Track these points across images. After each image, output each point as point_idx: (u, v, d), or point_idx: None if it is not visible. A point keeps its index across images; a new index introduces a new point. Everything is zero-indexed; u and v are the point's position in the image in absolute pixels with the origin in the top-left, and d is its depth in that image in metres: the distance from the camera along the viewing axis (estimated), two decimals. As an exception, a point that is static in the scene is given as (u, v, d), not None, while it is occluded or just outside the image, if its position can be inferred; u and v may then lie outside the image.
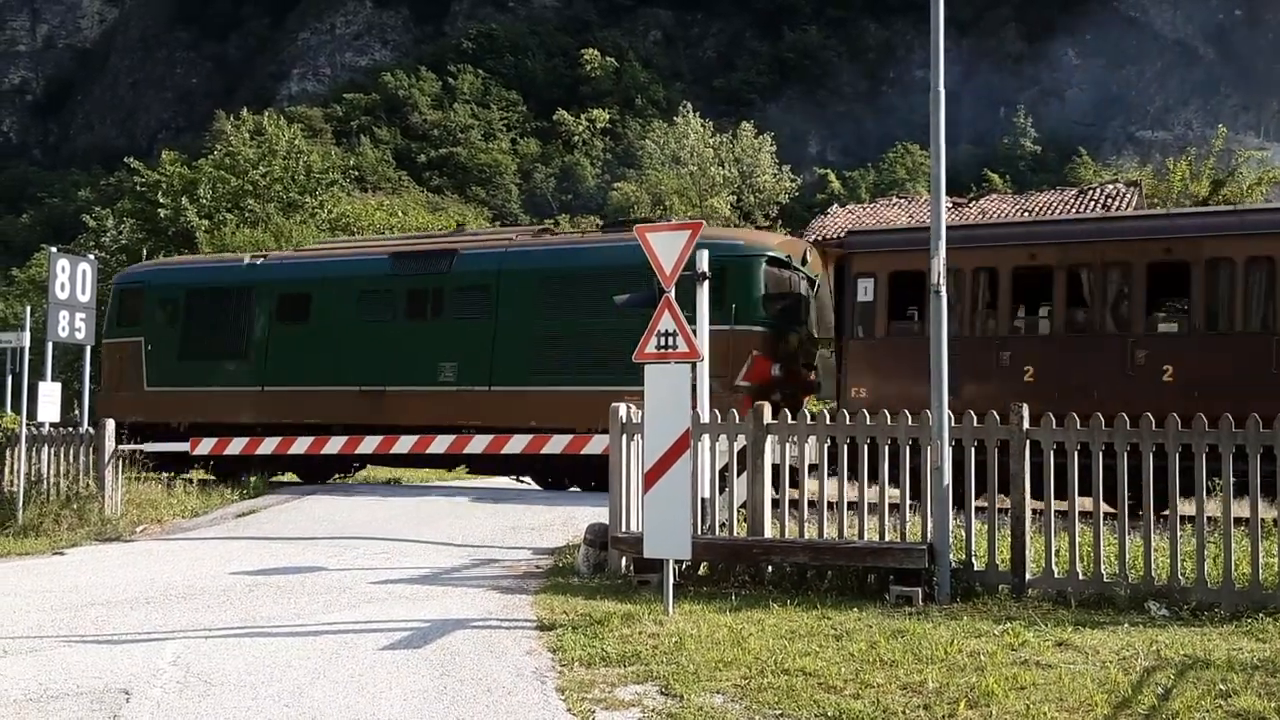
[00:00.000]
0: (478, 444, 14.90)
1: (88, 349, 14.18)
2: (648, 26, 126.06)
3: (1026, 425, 7.97)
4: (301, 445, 15.60)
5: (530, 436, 14.63)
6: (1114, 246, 13.72)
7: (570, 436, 14.35)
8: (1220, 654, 6.01)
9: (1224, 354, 12.88)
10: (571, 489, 15.62)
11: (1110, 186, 30.22)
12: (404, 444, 15.20)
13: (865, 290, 14.76)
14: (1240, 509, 7.72)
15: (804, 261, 16.06)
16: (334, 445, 15.55)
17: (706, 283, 9.48)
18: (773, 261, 15.14)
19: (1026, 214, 26.55)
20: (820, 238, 24.76)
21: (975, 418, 8.11)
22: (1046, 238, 14.46)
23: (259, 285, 17.29)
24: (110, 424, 13.28)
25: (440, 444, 15.08)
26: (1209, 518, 7.54)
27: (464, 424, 15.41)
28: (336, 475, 18.15)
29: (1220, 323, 13.16)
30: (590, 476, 15.24)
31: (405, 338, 16.14)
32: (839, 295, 15.30)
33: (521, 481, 16.62)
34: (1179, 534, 7.52)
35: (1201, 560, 7.40)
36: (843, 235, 18.33)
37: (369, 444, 15.36)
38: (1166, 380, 12.79)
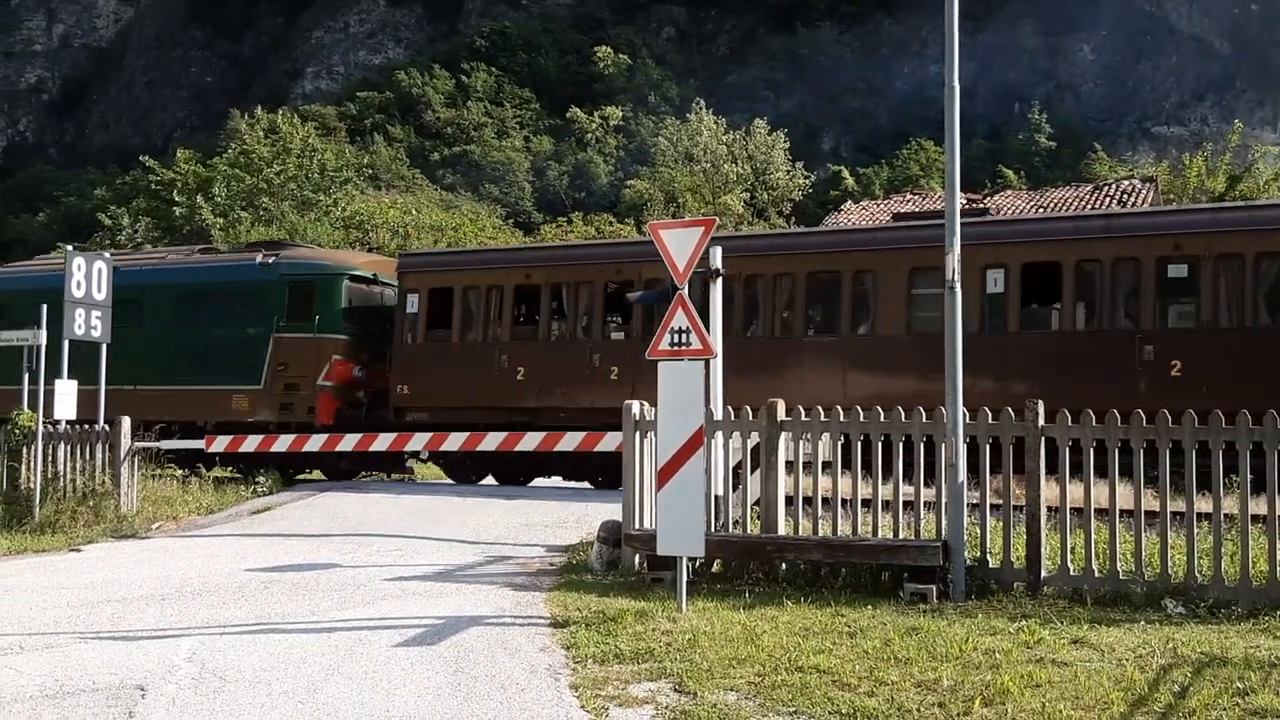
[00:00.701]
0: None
1: (104, 346, 14.29)
2: (660, 23, 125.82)
3: (1041, 422, 7.93)
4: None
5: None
6: (581, 269, 16.94)
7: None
8: (1237, 652, 5.97)
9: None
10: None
11: (1126, 183, 30.09)
12: None
13: (412, 303, 17.61)
14: (1257, 506, 7.67)
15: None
16: None
17: (720, 280, 9.46)
18: (356, 279, 17.91)
19: (1041, 210, 26.45)
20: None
21: (990, 414, 8.08)
22: (539, 261, 17.83)
23: None
24: (126, 421, 13.35)
25: None
26: (1225, 515, 7.49)
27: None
28: None
29: (651, 330, 15.84)
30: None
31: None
32: (398, 308, 18.06)
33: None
34: (1195, 531, 7.48)
35: (1219, 557, 7.35)
36: (400, 256, 21.27)
37: None
38: (613, 379, 15.70)
